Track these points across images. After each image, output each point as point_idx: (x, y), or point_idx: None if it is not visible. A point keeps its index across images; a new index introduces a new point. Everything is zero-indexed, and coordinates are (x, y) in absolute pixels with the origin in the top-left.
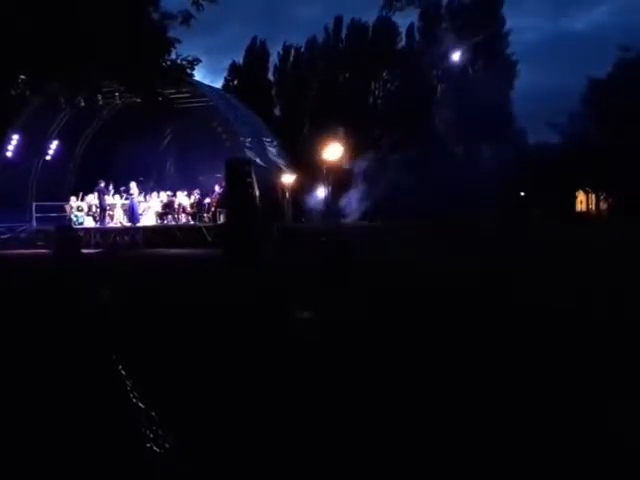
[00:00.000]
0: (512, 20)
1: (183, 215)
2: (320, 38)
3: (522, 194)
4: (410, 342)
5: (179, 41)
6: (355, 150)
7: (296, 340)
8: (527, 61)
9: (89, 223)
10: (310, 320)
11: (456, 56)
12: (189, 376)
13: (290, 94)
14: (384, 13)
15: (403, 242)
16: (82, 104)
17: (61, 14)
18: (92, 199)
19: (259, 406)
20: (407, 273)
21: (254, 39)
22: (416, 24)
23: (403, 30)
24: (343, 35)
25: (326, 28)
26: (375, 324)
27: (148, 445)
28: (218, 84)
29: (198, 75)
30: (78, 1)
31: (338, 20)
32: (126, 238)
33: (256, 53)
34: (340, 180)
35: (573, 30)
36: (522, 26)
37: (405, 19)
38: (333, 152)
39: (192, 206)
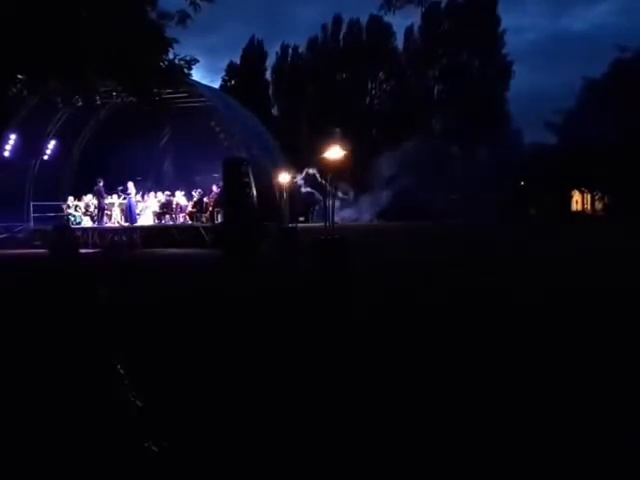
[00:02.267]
0: (511, 20)
1: (181, 215)
2: (320, 38)
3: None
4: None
5: (177, 41)
6: (352, 150)
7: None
8: (526, 61)
9: (87, 223)
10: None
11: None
12: (187, 378)
13: (287, 94)
14: (384, 12)
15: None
16: (80, 104)
17: (59, 14)
18: (90, 199)
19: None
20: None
21: (251, 39)
22: (415, 24)
23: (398, 30)
24: (342, 35)
25: (324, 27)
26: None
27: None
28: (217, 84)
29: (197, 75)
30: (77, 1)
31: (337, 20)
32: (124, 238)
33: (253, 53)
34: (339, 180)
35: (573, 30)
36: (521, 26)
37: (403, 20)
38: (331, 152)
39: (194, 205)
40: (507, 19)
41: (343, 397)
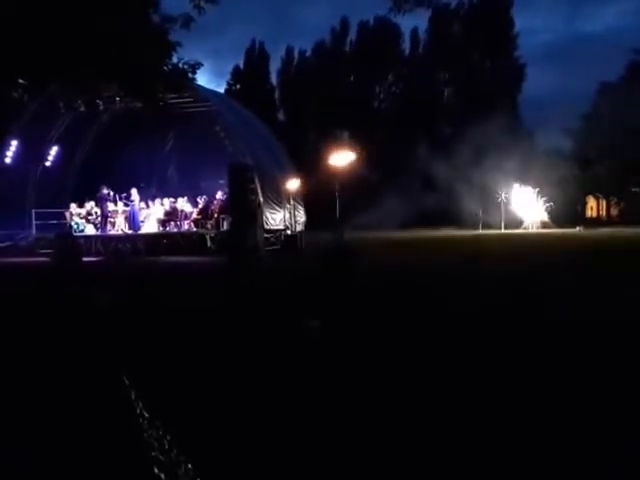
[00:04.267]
0: (525, 22)
1: (185, 222)
2: (327, 41)
3: None
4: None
5: (180, 45)
6: (361, 155)
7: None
8: (540, 63)
9: (90, 230)
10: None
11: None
12: (189, 392)
13: (294, 98)
14: (393, 15)
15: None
16: (82, 109)
17: (61, 17)
18: (92, 206)
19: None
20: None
21: (253, 42)
22: (424, 26)
23: (406, 32)
24: (350, 38)
25: (333, 30)
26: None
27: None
28: (223, 88)
29: (203, 78)
30: (78, 4)
31: (344, 22)
32: (127, 246)
33: (256, 56)
34: (347, 186)
35: (588, 32)
36: (535, 28)
37: (414, 22)
38: (340, 157)
39: (199, 212)
40: (521, 21)
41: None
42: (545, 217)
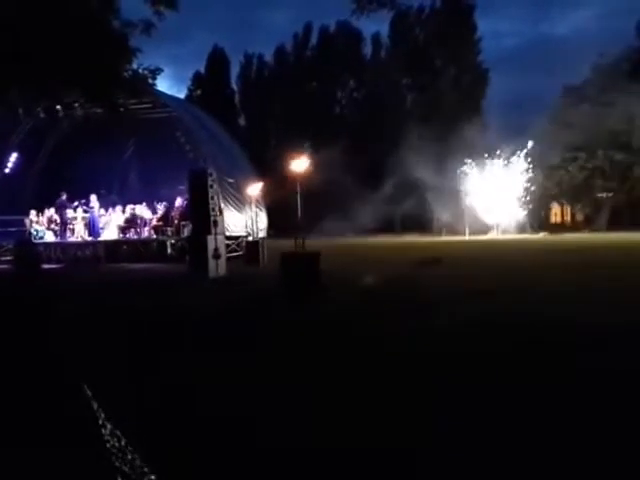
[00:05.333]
0: (489, 26)
1: (145, 229)
2: (289, 46)
3: None
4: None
5: (140, 50)
6: (322, 160)
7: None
8: (504, 67)
9: (49, 237)
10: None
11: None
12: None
13: (255, 103)
14: (355, 18)
15: None
16: (42, 115)
17: (19, 23)
18: (52, 213)
19: None
20: None
21: (215, 47)
22: (385, 32)
23: (367, 37)
24: (312, 43)
25: (295, 36)
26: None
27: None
28: (183, 93)
29: (164, 84)
30: (37, 10)
31: (307, 27)
32: (87, 253)
33: (217, 62)
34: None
35: (553, 35)
36: (499, 31)
37: (372, 26)
38: (301, 163)
39: (159, 219)
40: (483, 24)
41: None
42: (515, 222)
